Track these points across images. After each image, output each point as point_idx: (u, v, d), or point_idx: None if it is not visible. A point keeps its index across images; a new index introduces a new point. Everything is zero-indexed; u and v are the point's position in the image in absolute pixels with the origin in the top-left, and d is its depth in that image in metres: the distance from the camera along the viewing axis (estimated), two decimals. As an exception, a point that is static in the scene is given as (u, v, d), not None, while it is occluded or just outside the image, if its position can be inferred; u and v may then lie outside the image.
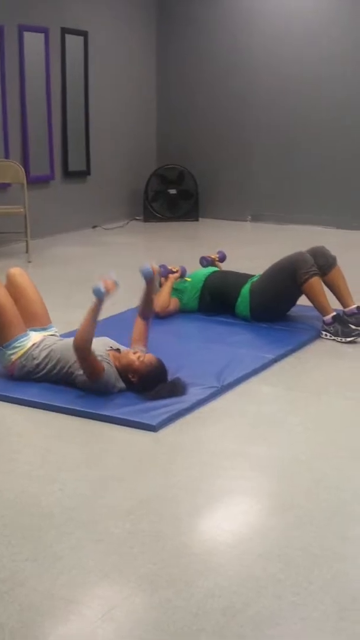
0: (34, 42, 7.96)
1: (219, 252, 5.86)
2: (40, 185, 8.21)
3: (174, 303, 5.37)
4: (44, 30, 8.06)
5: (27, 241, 7.28)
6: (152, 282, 4.26)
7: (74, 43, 8.49)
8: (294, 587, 2.45)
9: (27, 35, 7.86)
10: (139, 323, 4.28)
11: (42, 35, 8.05)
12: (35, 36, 7.98)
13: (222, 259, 5.84)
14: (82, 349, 3.77)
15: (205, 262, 5.72)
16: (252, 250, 7.77)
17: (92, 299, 3.84)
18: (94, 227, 8.99)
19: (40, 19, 7.99)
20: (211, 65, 9.46)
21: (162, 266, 5.44)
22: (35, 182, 8.08)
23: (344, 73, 8.75)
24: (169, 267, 5.46)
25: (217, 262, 5.77)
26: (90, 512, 2.89)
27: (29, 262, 7.17)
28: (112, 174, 9.25)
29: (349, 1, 8.56)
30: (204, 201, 9.62)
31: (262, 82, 9.21)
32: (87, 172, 8.87)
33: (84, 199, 8.87)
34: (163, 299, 5.31)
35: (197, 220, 9.57)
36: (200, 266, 5.68)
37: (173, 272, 5.45)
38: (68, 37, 8.40)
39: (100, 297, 3.78)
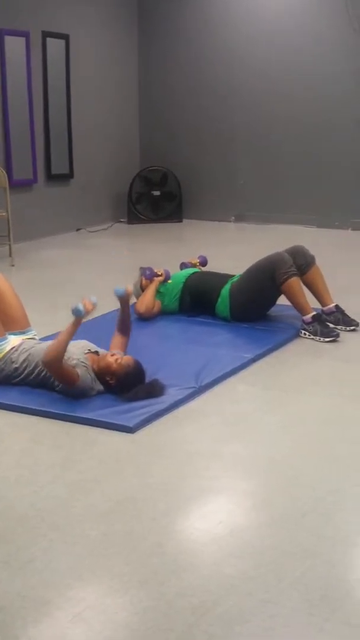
0: (15, 45, 7.96)
1: (200, 257, 5.88)
2: (24, 189, 8.22)
3: (156, 305, 5.39)
4: (25, 34, 8.07)
5: (10, 245, 7.28)
6: (125, 302, 4.27)
7: (55, 46, 8.50)
8: (264, 585, 2.47)
9: (7, 39, 7.87)
10: (117, 337, 4.29)
11: (23, 39, 8.05)
12: (16, 40, 7.98)
13: (204, 263, 5.85)
14: (53, 366, 3.79)
15: (186, 267, 5.75)
16: (235, 250, 7.80)
17: (70, 319, 3.83)
18: (78, 229, 9.00)
19: (21, 23, 8.00)
20: (193, 66, 9.49)
21: (148, 269, 5.47)
22: (19, 185, 8.09)
23: (327, 72, 8.79)
24: (155, 270, 5.48)
25: (198, 266, 5.79)
26: (65, 514, 2.90)
27: (12, 265, 7.18)
28: (96, 177, 9.27)
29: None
30: (188, 202, 9.65)
31: (244, 82, 9.25)
32: (70, 175, 8.88)
33: (68, 202, 8.88)
34: (147, 301, 5.34)
35: (181, 221, 9.59)
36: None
37: (158, 275, 5.47)
38: (49, 40, 8.41)
39: (79, 316, 3.78)
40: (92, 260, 7.69)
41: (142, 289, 5.55)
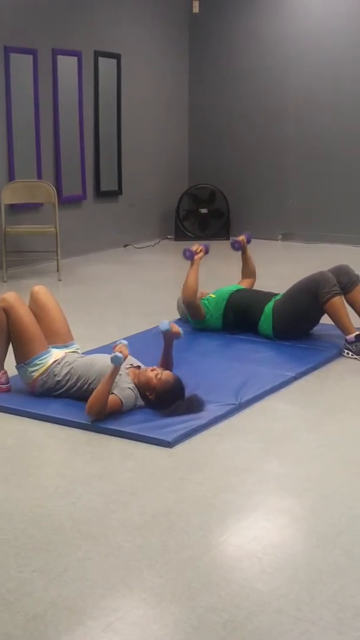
0: (67, 65, 8.11)
1: (245, 234, 5.85)
2: (73, 205, 8.35)
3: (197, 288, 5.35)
4: (77, 54, 8.22)
5: (57, 260, 7.40)
6: (168, 339, 4.28)
7: (107, 65, 8.64)
8: (296, 602, 2.48)
9: (60, 58, 8.02)
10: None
11: (75, 59, 8.20)
12: (69, 59, 8.14)
13: (248, 239, 5.81)
14: (96, 415, 3.81)
15: (237, 244, 5.71)
16: (281, 269, 7.80)
17: (110, 367, 3.82)
18: (126, 246, 9.10)
19: (73, 43, 8.15)
20: (243, 84, 9.55)
21: (187, 249, 5.45)
22: (68, 202, 8.22)
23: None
24: (193, 249, 5.43)
25: (244, 243, 5.77)
26: (101, 525, 2.94)
27: (60, 280, 7.29)
28: (144, 194, 9.36)
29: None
30: (235, 220, 9.69)
31: (294, 100, 9.27)
32: (119, 192, 8.99)
33: (116, 218, 8.99)
34: (191, 283, 5.31)
35: (228, 239, 9.60)
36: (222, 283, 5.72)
37: (198, 253, 5.41)
38: (101, 59, 8.55)
39: (118, 363, 3.79)
40: (139, 275, 7.77)
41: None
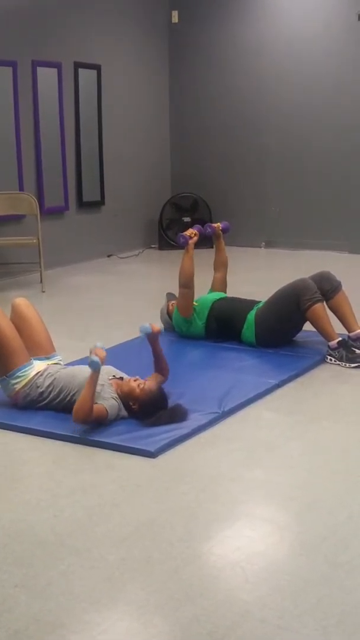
0: (47, 76, 8.12)
1: (222, 223, 5.84)
2: (55, 216, 8.34)
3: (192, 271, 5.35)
4: (57, 65, 8.22)
5: (41, 271, 7.38)
6: (153, 340, 4.28)
7: (87, 76, 8.65)
8: (279, 611, 2.47)
9: (40, 70, 8.02)
10: (155, 377, 4.30)
11: (55, 70, 8.21)
12: (49, 71, 8.14)
13: (225, 229, 5.81)
14: (83, 421, 3.80)
15: (210, 229, 5.70)
16: (265, 276, 7.83)
17: (89, 372, 3.82)
18: (109, 256, 9.10)
19: (53, 54, 8.15)
20: (223, 94, 9.58)
21: (181, 236, 5.42)
22: (50, 213, 8.21)
23: (358, 98, 8.81)
24: (187, 234, 5.41)
25: (218, 230, 5.75)
26: (84, 538, 2.93)
27: (43, 291, 7.27)
28: (127, 204, 9.37)
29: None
30: (219, 228, 9.69)
31: (274, 110, 9.31)
32: (101, 203, 8.99)
33: (99, 228, 8.99)
34: (187, 267, 5.31)
35: (211, 247, 9.57)
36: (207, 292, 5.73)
37: (192, 238, 5.39)
38: (81, 71, 8.56)
39: (97, 368, 3.78)
40: (123, 285, 7.76)
41: (169, 315, 5.59)
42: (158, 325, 4.28)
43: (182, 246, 5.43)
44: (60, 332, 5.44)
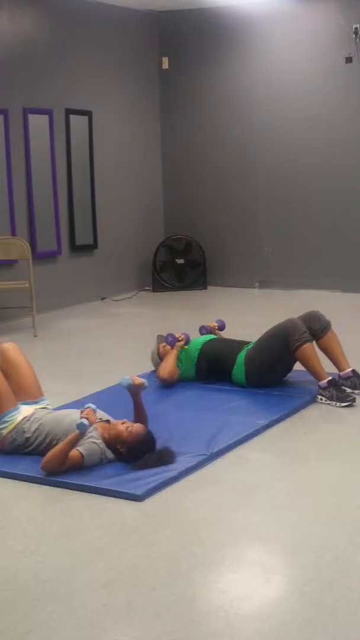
0: (38, 123, 8.21)
1: (217, 321, 5.91)
2: (48, 260, 8.38)
3: (176, 372, 5.43)
4: (49, 112, 8.32)
5: (33, 315, 7.40)
6: (134, 393, 4.28)
7: (78, 122, 8.74)
8: (261, 656, 2.44)
9: (31, 117, 8.12)
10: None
11: (46, 117, 8.30)
12: (40, 118, 8.23)
13: (222, 327, 5.89)
14: (49, 472, 3.79)
15: (205, 330, 5.78)
16: (259, 316, 7.82)
17: (74, 432, 3.81)
18: (103, 298, 9.12)
19: (44, 101, 8.26)
20: (214, 137, 9.67)
21: (170, 335, 5.51)
22: (43, 257, 8.25)
23: (346, 141, 8.90)
24: (176, 336, 5.52)
25: (216, 331, 5.83)
26: (67, 585, 2.90)
27: (35, 335, 7.27)
28: (120, 247, 9.41)
29: (352, 69, 8.72)
30: (212, 270, 9.74)
31: (264, 152, 9.39)
32: (94, 246, 9.04)
33: (92, 271, 9.02)
34: (170, 367, 5.36)
35: (205, 288, 9.67)
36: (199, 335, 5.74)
37: (179, 340, 5.50)
38: (72, 117, 8.66)
39: (84, 431, 3.79)
40: (116, 328, 7.76)
41: (160, 357, 5.59)
42: (141, 379, 4.28)
43: (168, 344, 5.49)
44: (52, 376, 5.44)
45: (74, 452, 3.81)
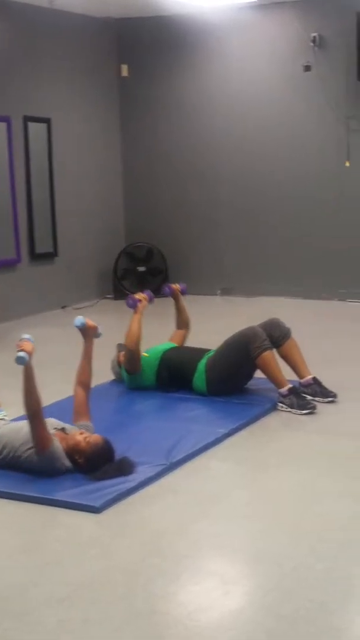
0: (-4, 131, 8.14)
1: (181, 285, 5.87)
2: (7, 268, 8.29)
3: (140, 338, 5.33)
4: (6, 119, 8.24)
5: (-8, 325, 7.30)
6: (87, 334, 4.26)
7: (37, 130, 8.67)
8: (220, 670, 2.40)
9: (-11, 124, 8.04)
10: (78, 392, 4.28)
11: (4, 125, 8.22)
12: (-2, 125, 8.16)
13: (184, 291, 5.84)
14: (33, 413, 3.79)
15: (168, 289, 5.75)
16: (221, 323, 7.78)
17: (20, 369, 3.80)
18: (63, 307, 9.04)
19: (2, 109, 8.17)
20: (174, 145, 9.65)
21: (130, 297, 5.43)
22: (1, 265, 8.16)
23: (306, 149, 8.94)
24: (136, 297, 5.43)
25: (177, 291, 5.78)
26: (23, 601, 2.84)
27: (-6, 346, 7.17)
28: (81, 254, 9.34)
29: (311, 77, 8.76)
30: (174, 277, 9.67)
31: (225, 160, 9.39)
32: (54, 254, 8.97)
33: (53, 280, 8.94)
34: (134, 331, 5.29)
35: (167, 296, 9.62)
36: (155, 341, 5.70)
37: (139, 301, 5.41)
38: (31, 124, 8.58)
39: (24, 363, 3.76)
40: (77, 337, 7.65)
41: (119, 364, 5.54)
42: (94, 323, 4.40)
43: (130, 307, 5.43)
44: (10, 387, 5.33)
45: (48, 433, 3.82)
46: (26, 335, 3.90)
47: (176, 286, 5.81)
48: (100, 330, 4.28)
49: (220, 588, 2.90)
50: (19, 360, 3.70)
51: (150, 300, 5.46)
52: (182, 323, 5.85)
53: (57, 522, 3.48)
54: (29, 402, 3.78)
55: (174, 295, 5.80)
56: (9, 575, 3.01)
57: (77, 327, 4.21)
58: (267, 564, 3.04)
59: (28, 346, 3.81)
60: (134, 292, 9.28)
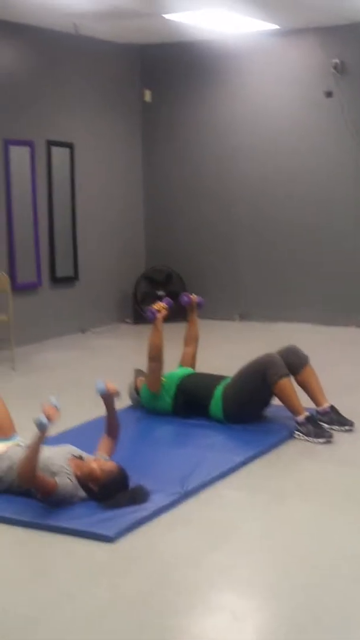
0: (19, 155, 8.19)
1: (198, 298, 5.85)
2: (28, 292, 8.33)
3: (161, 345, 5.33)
4: (30, 144, 8.32)
5: (11, 349, 7.33)
6: (108, 400, 4.23)
7: (59, 154, 8.73)
8: None
9: (12, 149, 8.10)
10: (104, 440, 4.26)
11: (27, 149, 8.30)
12: (21, 149, 8.22)
13: (201, 303, 5.83)
14: (26, 479, 3.73)
15: (186, 298, 5.75)
16: (238, 349, 7.76)
17: (36, 432, 3.70)
18: (83, 331, 9.06)
19: (25, 133, 8.25)
20: (196, 170, 9.69)
21: (149, 309, 5.42)
22: (23, 289, 8.19)
23: (326, 174, 8.94)
24: (154, 308, 5.41)
25: (194, 302, 5.78)
26: (31, 634, 2.82)
27: (13, 369, 7.19)
28: (101, 279, 9.37)
29: (332, 103, 8.78)
30: (193, 302, 9.70)
31: (245, 185, 9.41)
32: (75, 278, 9.00)
33: (73, 304, 8.97)
34: (155, 340, 5.29)
35: (186, 320, 9.61)
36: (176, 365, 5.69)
37: (159, 312, 5.38)
38: (54, 149, 8.65)
39: (44, 429, 3.69)
40: (97, 361, 7.70)
41: (137, 390, 5.54)
42: (114, 386, 4.24)
43: (150, 320, 5.43)
44: (29, 411, 5.33)
45: (46, 478, 3.75)
46: (54, 401, 3.82)
47: (194, 297, 5.80)
48: (120, 393, 4.25)
49: (231, 623, 2.87)
50: (39, 426, 3.64)
51: (169, 307, 5.44)
52: (191, 338, 5.82)
53: (70, 551, 3.46)
54: (24, 468, 3.71)
55: (190, 306, 5.78)
56: (18, 607, 2.99)
57: (99, 393, 4.17)
58: (279, 598, 3.01)
59: (53, 414, 3.74)
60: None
